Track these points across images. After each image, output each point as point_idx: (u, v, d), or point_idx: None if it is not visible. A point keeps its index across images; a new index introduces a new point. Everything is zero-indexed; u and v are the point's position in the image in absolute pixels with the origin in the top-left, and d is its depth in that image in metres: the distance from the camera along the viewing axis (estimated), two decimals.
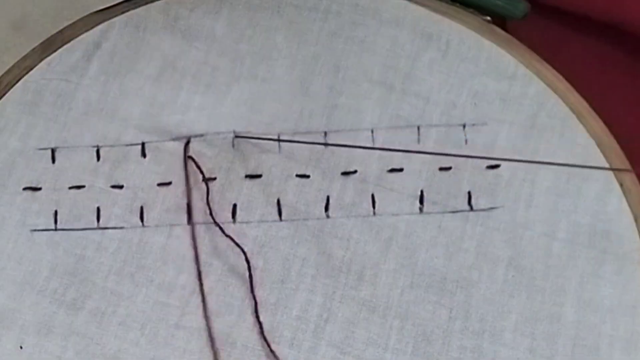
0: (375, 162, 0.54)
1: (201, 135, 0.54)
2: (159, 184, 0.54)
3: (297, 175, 0.54)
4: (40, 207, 0.53)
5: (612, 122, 0.54)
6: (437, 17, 0.56)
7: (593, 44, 0.59)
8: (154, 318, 0.52)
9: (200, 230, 0.53)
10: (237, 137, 0.54)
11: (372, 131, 0.54)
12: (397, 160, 0.54)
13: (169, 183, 0.54)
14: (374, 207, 0.53)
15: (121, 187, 0.54)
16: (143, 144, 0.55)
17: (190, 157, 0.53)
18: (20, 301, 0.52)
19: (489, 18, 0.57)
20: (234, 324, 0.51)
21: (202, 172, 0.53)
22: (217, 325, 0.51)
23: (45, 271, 0.52)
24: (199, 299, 0.52)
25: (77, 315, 0.52)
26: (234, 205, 0.53)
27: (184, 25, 0.56)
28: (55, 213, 0.53)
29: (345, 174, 0.54)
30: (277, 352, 0.51)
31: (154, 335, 0.51)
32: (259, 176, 0.54)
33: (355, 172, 0.54)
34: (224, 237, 0.52)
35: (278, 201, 0.53)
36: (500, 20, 0.57)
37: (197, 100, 0.55)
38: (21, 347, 0.51)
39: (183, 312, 0.52)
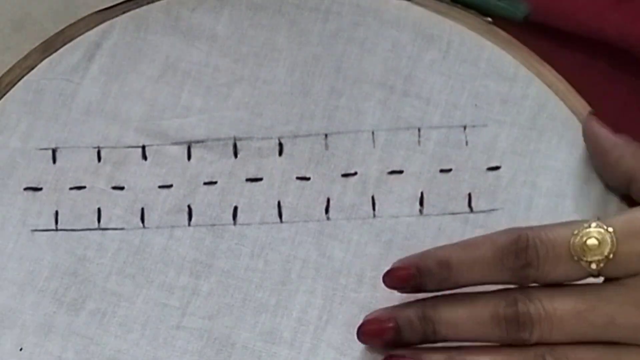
0: (375, 164, 0.54)
1: (202, 141, 0.54)
2: (160, 187, 0.54)
3: (298, 178, 0.54)
4: (41, 207, 0.54)
5: None
6: (438, 17, 0.56)
7: (578, 57, 0.59)
8: (154, 319, 0.52)
9: (200, 231, 0.53)
10: (237, 141, 0.54)
11: (373, 133, 0.54)
12: (397, 162, 0.54)
13: (170, 186, 0.54)
14: (374, 209, 0.53)
15: (122, 188, 0.54)
16: (144, 147, 0.55)
17: None
18: (21, 301, 0.52)
19: (489, 19, 0.56)
20: (234, 325, 0.51)
21: None
22: (217, 326, 0.51)
23: (45, 271, 0.52)
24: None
25: (77, 315, 0.52)
26: (235, 208, 0.53)
27: (186, 26, 0.56)
28: (56, 213, 0.53)
29: (345, 175, 0.54)
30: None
31: (154, 336, 0.51)
32: (260, 179, 0.54)
33: (355, 174, 0.54)
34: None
35: (279, 203, 0.53)
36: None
37: (198, 103, 0.55)
38: (21, 350, 0.51)
39: (183, 313, 0.52)
